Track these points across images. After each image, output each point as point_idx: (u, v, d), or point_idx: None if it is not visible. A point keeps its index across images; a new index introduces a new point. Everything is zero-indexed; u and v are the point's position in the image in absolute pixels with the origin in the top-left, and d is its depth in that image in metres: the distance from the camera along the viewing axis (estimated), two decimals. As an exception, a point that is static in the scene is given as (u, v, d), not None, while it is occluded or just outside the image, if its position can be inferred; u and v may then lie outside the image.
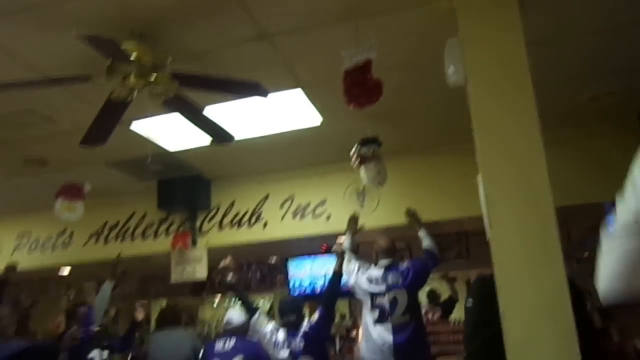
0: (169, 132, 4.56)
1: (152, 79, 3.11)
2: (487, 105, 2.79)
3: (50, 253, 6.52)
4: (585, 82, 4.16)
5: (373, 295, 4.36)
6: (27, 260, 6.50)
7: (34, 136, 4.50)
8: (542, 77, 3.53)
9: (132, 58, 2.98)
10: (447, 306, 7.44)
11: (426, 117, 4.66)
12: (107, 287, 4.78)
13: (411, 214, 4.77)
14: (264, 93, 3.34)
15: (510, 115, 2.64)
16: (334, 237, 5.58)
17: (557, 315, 2.42)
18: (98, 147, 3.81)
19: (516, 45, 2.73)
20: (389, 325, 4.24)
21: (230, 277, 4.14)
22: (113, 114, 3.39)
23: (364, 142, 4.33)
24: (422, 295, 6.04)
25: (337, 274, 4.12)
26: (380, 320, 4.28)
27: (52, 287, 7.90)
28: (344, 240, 4.63)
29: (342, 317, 7.78)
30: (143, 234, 6.15)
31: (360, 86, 3.06)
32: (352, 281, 4.50)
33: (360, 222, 4.93)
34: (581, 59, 3.81)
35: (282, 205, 5.69)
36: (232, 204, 5.88)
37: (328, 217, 5.49)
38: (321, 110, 4.43)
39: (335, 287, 4.14)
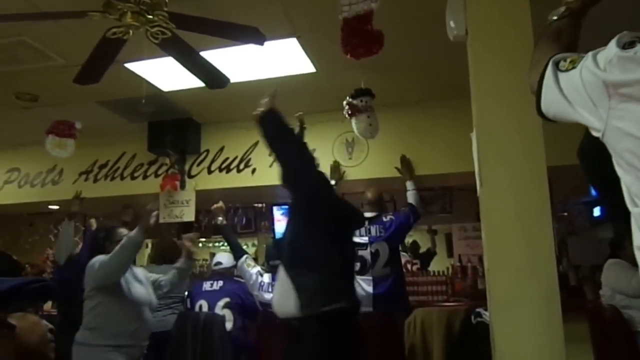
0: (163, 72, 4.54)
1: (149, 18, 3.09)
2: (487, 61, 2.81)
3: (40, 189, 6.53)
4: (588, 41, 4.14)
5: (355, 246, 4.45)
6: (17, 195, 6.53)
7: (26, 71, 4.45)
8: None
9: (130, -5, 2.96)
10: (426, 258, 7.63)
11: (422, 71, 4.67)
12: (67, 226, 4.78)
13: (406, 162, 4.84)
14: (261, 40, 3.34)
15: (510, 73, 2.64)
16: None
17: (542, 274, 2.50)
18: (91, 85, 3.80)
19: (520, 1, 2.73)
20: (369, 277, 4.34)
21: (220, 220, 4.21)
22: (108, 53, 3.37)
23: (357, 94, 4.35)
24: (403, 247, 6.19)
25: None
26: (361, 272, 4.38)
27: (41, 222, 7.94)
28: None
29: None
30: (132, 174, 6.18)
31: (359, 36, 3.06)
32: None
33: (347, 173, 5.02)
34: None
35: (271, 152, 5.70)
36: (222, 149, 5.90)
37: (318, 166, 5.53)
38: (316, 60, 4.42)
39: None
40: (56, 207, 6.99)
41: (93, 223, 4.98)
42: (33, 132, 5.58)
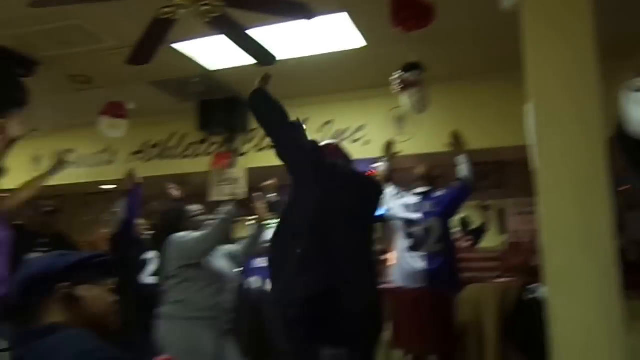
0: (211, 51, 4.57)
1: (199, -3, 3.11)
2: (540, 31, 2.71)
3: (94, 169, 6.71)
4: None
5: (408, 223, 4.42)
6: (72, 175, 6.71)
7: (79, 53, 4.55)
8: (604, 3, 3.42)
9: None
10: (478, 234, 7.51)
11: (474, 43, 4.56)
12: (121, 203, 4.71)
13: (457, 137, 4.76)
14: (309, 15, 3.31)
15: (564, 42, 2.55)
16: (371, 162, 5.64)
17: (600, 249, 2.42)
18: (142, 66, 3.85)
19: None
20: (422, 253, 4.31)
21: (272, 197, 4.23)
22: (159, 33, 3.41)
23: (408, 68, 4.28)
24: (455, 223, 6.11)
25: None
26: (414, 248, 4.35)
27: (95, 202, 8.15)
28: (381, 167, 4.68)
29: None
30: (183, 153, 6.27)
31: (409, 9, 3.01)
32: (387, 206, 4.56)
33: (399, 148, 4.96)
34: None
35: (320, 129, 5.71)
36: (271, 127, 5.92)
37: (366, 143, 5.50)
38: (366, 34, 4.37)
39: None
40: (109, 186, 7.17)
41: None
42: (87, 114, 5.72)
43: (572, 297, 2.44)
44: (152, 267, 4.07)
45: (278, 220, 2.89)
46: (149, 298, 3.47)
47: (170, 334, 3.14)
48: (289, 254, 2.69)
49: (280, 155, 2.88)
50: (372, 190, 3.16)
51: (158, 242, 3.47)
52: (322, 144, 3.19)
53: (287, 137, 2.85)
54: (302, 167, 2.81)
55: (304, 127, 3.03)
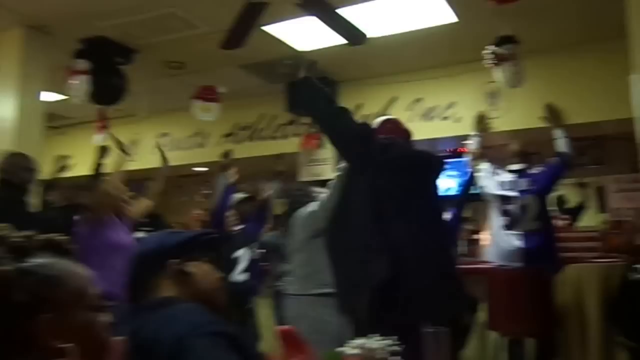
0: (300, 33, 4.59)
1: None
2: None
3: (187, 152, 6.94)
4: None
5: (503, 200, 4.31)
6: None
7: (174, 40, 4.70)
8: None
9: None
10: (576, 213, 7.23)
11: (571, 13, 4.35)
12: (220, 178, 4.66)
13: (552, 110, 4.58)
14: (402, -9, 3.26)
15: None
16: (463, 139, 5.52)
17: None
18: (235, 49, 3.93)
19: None
20: (518, 232, 4.20)
21: None
22: (252, 17, 3.46)
23: (501, 42, 4.14)
24: (551, 201, 5.91)
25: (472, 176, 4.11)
26: (510, 226, 4.24)
27: (188, 184, 8.44)
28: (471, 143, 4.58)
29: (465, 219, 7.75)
30: (273, 135, 6.37)
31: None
32: (481, 183, 4.47)
33: (489, 122, 4.83)
34: None
35: (410, 107, 5.64)
36: (360, 107, 5.91)
37: (458, 120, 5.39)
38: (457, 9, 4.26)
39: (469, 189, 4.13)
40: (201, 169, 7.40)
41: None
42: (180, 99, 5.92)
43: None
44: (242, 265, 4.15)
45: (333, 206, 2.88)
46: (241, 295, 3.55)
47: (296, 312, 3.20)
48: (349, 243, 2.67)
49: (333, 142, 2.80)
50: (431, 166, 3.01)
51: (284, 222, 3.51)
52: (381, 119, 3.14)
53: (337, 124, 2.79)
54: (356, 153, 2.76)
55: (352, 113, 2.97)
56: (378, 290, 2.50)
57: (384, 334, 2.11)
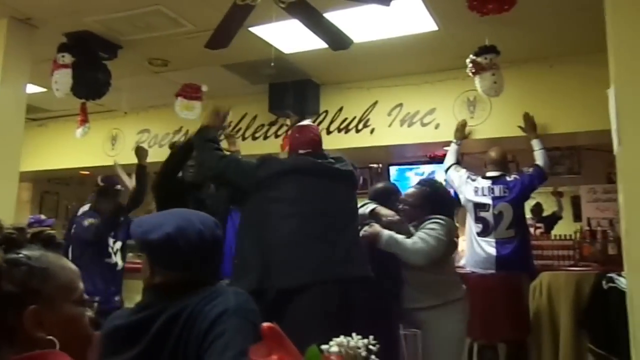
0: (285, 35, 4.62)
1: (278, -17, 3.15)
2: (626, 12, 2.63)
3: (167, 149, 6.90)
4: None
5: (477, 207, 4.38)
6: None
7: (159, 37, 4.69)
8: None
9: (260, -38, 3.02)
10: (550, 221, 7.36)
11: (552, 25, 4.42)
12: None
13: (529, 120, 4.68)
14: (387, 1, 3.30)
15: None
16: (441, 145, 5.59)
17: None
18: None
19: None
20: (492, 239, 4.27)
21: None
22: (237, 18, 3.47)
23: (482, 51, 4.21)
24: (527, 209, 6.00)
25: None
26: (483, 233, 4.32)
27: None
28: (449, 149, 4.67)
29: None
30: (254, 135, 6.38)
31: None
32: (458, 189, 4.54)
33: (468, 129, 4.92)
34: None
35: (390, 112, 5.69)
36: (341, 110, 5.95)
37: (436, 126, 5.45)
38: (438, 17, 4.30)
39: None
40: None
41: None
42: (162, 96, 5.90)
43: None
44: None
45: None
46: None
47: None
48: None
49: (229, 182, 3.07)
50: (336, 180, 2.98)
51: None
52: (301, 124, 3.29)
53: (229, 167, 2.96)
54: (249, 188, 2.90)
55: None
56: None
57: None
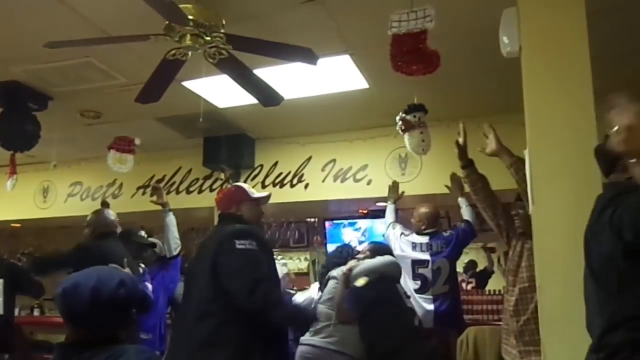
0: (219, 90, 4.66)
1: (207, 40, 3.20)
2: (541, 78, 2.73)
3: (99, 203, 6.75)
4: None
5: (416, 263, 4.39)
6: (79, 207, 6.77)
7: (91, 89, 4.65)
8: (609, 47, 3.42)
9: (189, 19, 3.06)
10: (482, 277, 7.48)
11: (476, 86, 4.63)
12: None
13: (456, 180, 4.79)
14: (314, 60, 3.39)
15: (565, 90, 2.58)
16: (374, 201, 5.67)
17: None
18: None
19: (576, 18, 2.63)
20: (429, 296, 4.30)
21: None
22: (168, 73, 3.50)
23: (410, 109, 4.32)
24: (459, 265, 6.09)
25: None
26: (421, 290, 4.33)
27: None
28: (386, 208, 4.74)
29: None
30: (188, 189, 6.33)
31: (411, 53, 3.06)
32: (394, 245, 4.55)
33: (401, 189, 5.00)
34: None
35: (324, 167, 5.77)
36: (275, 164, 5.99)
37: (369, 182, 5.55)
38: (369, 76, 4.44)
39: None
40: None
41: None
42: (95, 148, 5.80)
43: (566, 338, 2.42)
44: None
45: None
46: None
47: None
48: None
49: None
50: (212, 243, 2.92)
51: None
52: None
53: None
54: None
55: None
56: None
57: None
